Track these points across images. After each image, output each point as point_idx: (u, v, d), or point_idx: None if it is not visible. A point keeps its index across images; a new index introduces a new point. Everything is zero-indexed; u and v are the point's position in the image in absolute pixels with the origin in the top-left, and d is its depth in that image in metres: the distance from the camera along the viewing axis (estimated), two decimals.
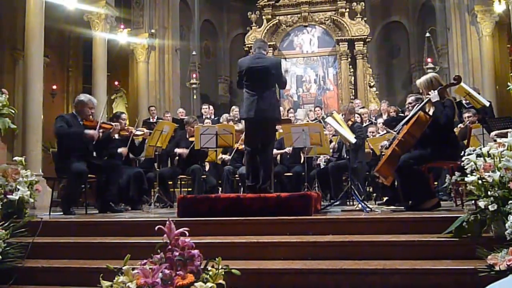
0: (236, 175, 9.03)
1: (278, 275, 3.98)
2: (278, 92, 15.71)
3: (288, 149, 8.93)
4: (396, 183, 5.96)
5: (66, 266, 4.42)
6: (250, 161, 6.36)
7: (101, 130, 6.89)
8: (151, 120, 12.11)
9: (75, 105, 7.05)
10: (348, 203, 7.71)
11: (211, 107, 12.98)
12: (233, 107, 12.31)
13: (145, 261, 3.07)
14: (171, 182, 9.30)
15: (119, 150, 7.75)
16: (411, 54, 18.65)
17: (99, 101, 8.50)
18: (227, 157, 9.29)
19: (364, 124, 10.17)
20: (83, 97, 7.02)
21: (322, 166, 9.05)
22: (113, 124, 7.24)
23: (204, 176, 8.61)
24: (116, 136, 7.41)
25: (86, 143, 6.76)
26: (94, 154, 7.10)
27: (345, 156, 7.95)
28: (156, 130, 7.59)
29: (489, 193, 3.87)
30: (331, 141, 9.04)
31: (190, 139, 8.67)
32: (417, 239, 4.24)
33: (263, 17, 16.76)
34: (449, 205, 6.48)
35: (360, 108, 11.94)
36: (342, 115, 7.95)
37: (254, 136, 6.37)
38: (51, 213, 6.66)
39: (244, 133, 7.04)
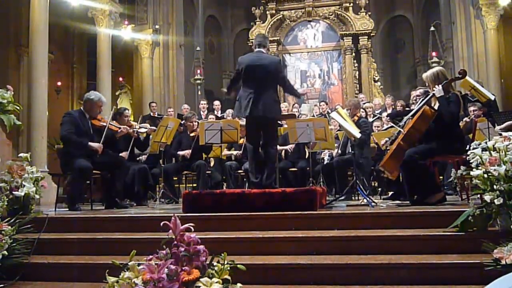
0: (240, 170, 9.03)
1: (284, 270, 3.98)
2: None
3: (289, 147, 8.93)
4: (401, 178, 5.95)
5: (72, 262, 4.43)
6: (253, 157, 6.36)
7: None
8: (151, 115, 12.13)
9: (84, 102, 7.00)
10: (353, 198, 7.72)
11: (216, 101, 12.94)
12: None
13: (150, 256, 3.07)
14: (176, 178, 9.31)
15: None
16: (416, 48, 18.59)
17: (104, 97, 8.50)
18: (238, 152, 9.23)
19: (370, 119, 10.16)
20: (93, 95, 6.96)
21: (326, 161, 9.04)
22: (121, 127, 7.24)
23: (209, 172, 8.61)
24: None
25: (92, 139, 6.75)
26: None
27: (350, 150, 7.94)
28: (161, 126, 7.58)
29: (494, 187, 3.86)
30: (337, 137, 9.01)
31: (192, 134, 8.70)
32: (423, 233, 4.24)
33: (267, 12, 16.73)
34: (455, 199, 6.47)
35: (365, 102, 11.92)
36: (348, 110, 7.94)
37: (254, 133, 6.39)
38: (56, 209, 6.68)
39: (245, 130, 7.03)
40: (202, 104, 12.69)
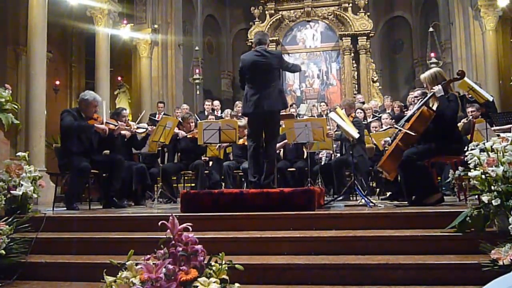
0: (238, 170, 9.02)
1: (282, 270, 3.97)
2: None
3: (283, 143, 8.89)
4: (399, 178, 5.96)
5: (70, 262, 4.42)
6: (253, 156, 6.34)
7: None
8: (156, 118, 12.03)
9: (79, 103, 7.02)
10: (351, 198, 7.72)
11: (216, 102, 12.95)
12: (237, 102, 12.25)
13: (148, 256, 3.07)
14: (174, 178, 9.30)
15: (123, 132, 7.77)
16: (414, 49, 18.58)
17: (102, 97, 8.48)
18: (224, 145, 9.15)
19: (369, 120, 10.17)
20: (88, 95, 6.96)
21: (323, 161, 9.03)
22: (118, 123, 7.24)
23: (207, 172, 8.61)
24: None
25: (91, 139, 6.77)
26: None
27: (344, 151, 7.95)
28: (159, 126, 7.57)
29: (492, 187, 3.86)
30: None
31: (189, 135, 8.70)
32: (421, 234, 4.24)
33: (266, 12, 16.76)
34: (453, 200, 6.47)
35: (363, 103, 11.92)
36: (343, 109, 7.94)
37: (258, 130, 6.36)
38: (54, 209, 6.67)
39: (247, 128, 7.02)
40: (207, 104, 12.66)
